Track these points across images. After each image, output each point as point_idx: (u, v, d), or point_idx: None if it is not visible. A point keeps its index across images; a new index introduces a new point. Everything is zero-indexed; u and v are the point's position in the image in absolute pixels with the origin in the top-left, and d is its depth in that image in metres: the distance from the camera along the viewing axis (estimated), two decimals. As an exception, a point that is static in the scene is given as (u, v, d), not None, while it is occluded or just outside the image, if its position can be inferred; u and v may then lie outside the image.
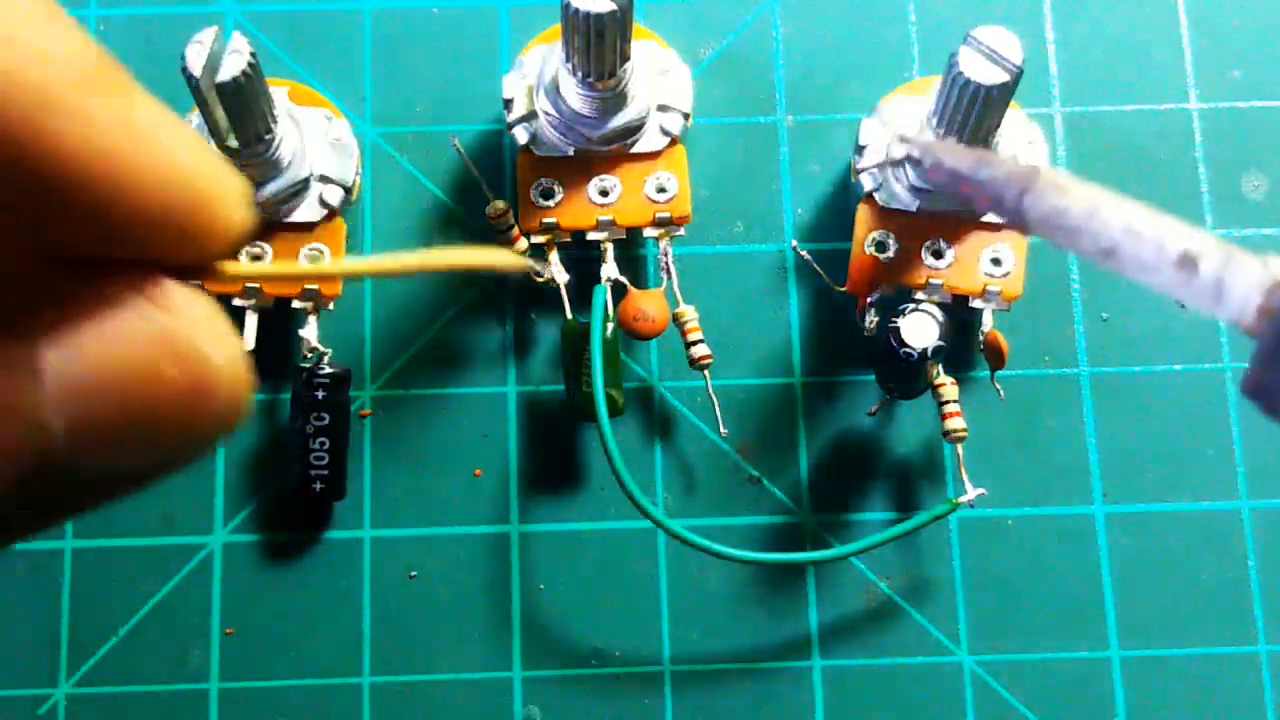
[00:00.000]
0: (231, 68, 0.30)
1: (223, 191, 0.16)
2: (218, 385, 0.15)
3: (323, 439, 0.35)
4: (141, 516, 0.36)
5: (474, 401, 0.37)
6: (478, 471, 0.37)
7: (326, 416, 0.35)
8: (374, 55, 0.39)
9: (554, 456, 0.37)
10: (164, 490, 0.36)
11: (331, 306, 0.35)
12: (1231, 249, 0.17)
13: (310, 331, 0.35)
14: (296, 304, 0.35)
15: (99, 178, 0.15)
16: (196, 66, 0.30)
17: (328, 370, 0.35)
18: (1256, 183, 0.39)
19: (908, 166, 0.34)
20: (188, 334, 0.15)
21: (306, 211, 0.35)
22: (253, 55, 0.31)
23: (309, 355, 0.35)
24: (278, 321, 0.37)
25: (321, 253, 0.35)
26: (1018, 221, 0.18)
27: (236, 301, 0.35)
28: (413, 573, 0.36)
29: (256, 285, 0.34)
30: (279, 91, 0.35)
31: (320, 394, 0.35)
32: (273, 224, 0.35)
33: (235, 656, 0.36)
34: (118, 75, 0.15)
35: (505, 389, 0.37)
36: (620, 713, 0.36)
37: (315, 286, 0.35)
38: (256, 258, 0.35)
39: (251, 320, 0.35)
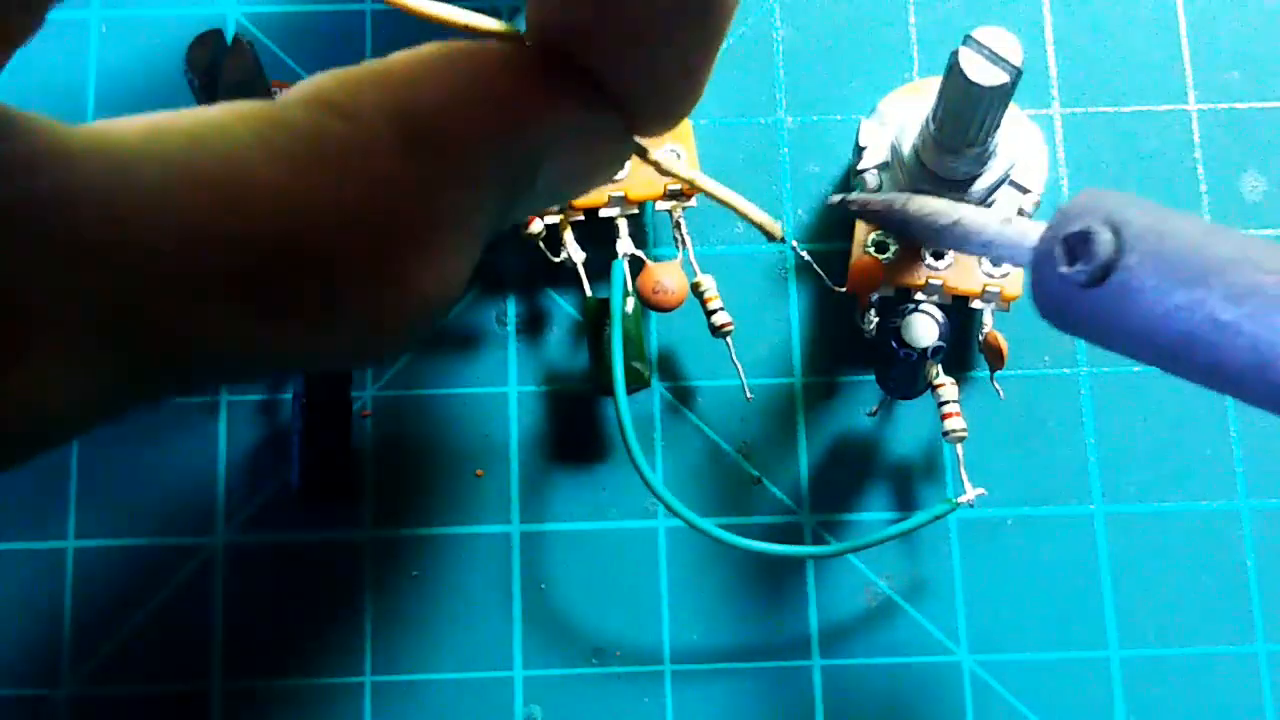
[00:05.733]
0: (232, 71, 0.31)
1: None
2: None
3: (323, 439, 0.35)
4: (143, 517, 0.36)
5: (474, 401, 0.37)
6: (479, 472, 0.37)
7: (327, 417, 0.35)
8: (374, 56, 0.39)
9: (556, 456, 0.37)
10: (165, 491, 0.36)
11: (332, 307, 0.35)
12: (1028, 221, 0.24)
13: (311, 332, 0.35)
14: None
15: None
16: (198, 67, 0.30)
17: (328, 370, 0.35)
18: (1255, 183, 0.39)
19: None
20: None
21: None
22: (255, 54, 0.31)
23: (310, 355, 0.35)
24: (278, 322, 0.37)
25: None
26: (901, 222, 0.26)
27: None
28: (414, 572, 0.36)
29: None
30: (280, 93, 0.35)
31: (320, 394, 0.35)
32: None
33: (236, 656, 0.36)
34: None
35: (505, 389, 0.37)
36: (620, 712, 0.36)
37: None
38: None
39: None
